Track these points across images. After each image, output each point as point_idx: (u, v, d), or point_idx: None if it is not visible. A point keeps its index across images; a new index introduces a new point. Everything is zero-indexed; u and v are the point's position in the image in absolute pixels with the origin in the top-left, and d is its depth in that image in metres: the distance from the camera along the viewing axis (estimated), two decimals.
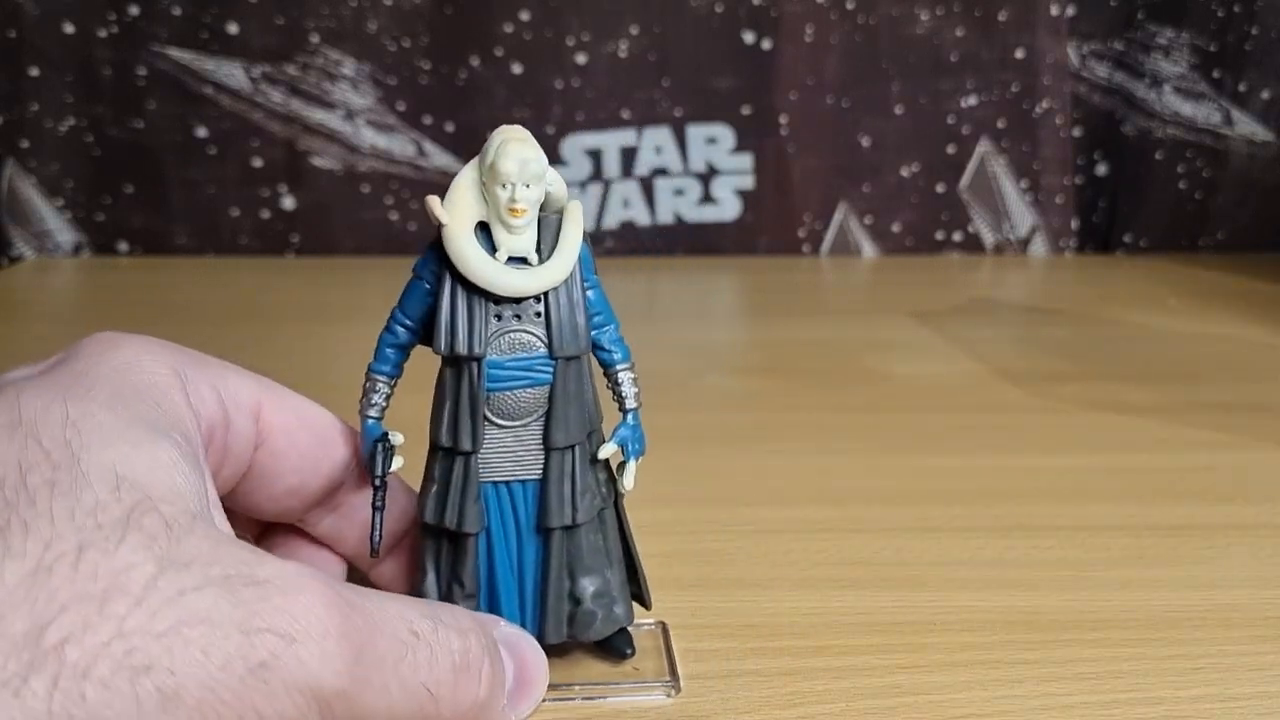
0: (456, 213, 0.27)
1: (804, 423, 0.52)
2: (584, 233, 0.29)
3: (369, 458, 0.29)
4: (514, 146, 0.27)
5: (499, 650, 0.26)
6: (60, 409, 0.22)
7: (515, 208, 0.27)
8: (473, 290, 0.28)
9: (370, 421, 0.29)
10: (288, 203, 0.90)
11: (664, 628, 0.32)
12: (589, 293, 0.29)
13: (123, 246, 0.90)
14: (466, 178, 0.28)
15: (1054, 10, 0.91)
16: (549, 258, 0.28)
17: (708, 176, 0.92)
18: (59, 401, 0.22)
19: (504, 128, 0.28)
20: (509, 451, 0.29)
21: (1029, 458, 0.47)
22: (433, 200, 0.28)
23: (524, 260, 0.28)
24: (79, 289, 0.85)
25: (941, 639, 0.32)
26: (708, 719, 0.28)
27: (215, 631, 0.19)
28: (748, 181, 0.93)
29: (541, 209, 0.28)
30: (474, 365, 0.28)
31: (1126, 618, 0.33)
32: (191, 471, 0.23)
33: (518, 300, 0.28)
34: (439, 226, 0.27)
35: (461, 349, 0.28)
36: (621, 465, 0.30)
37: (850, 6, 0.90)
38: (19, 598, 0.18)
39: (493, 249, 0.28)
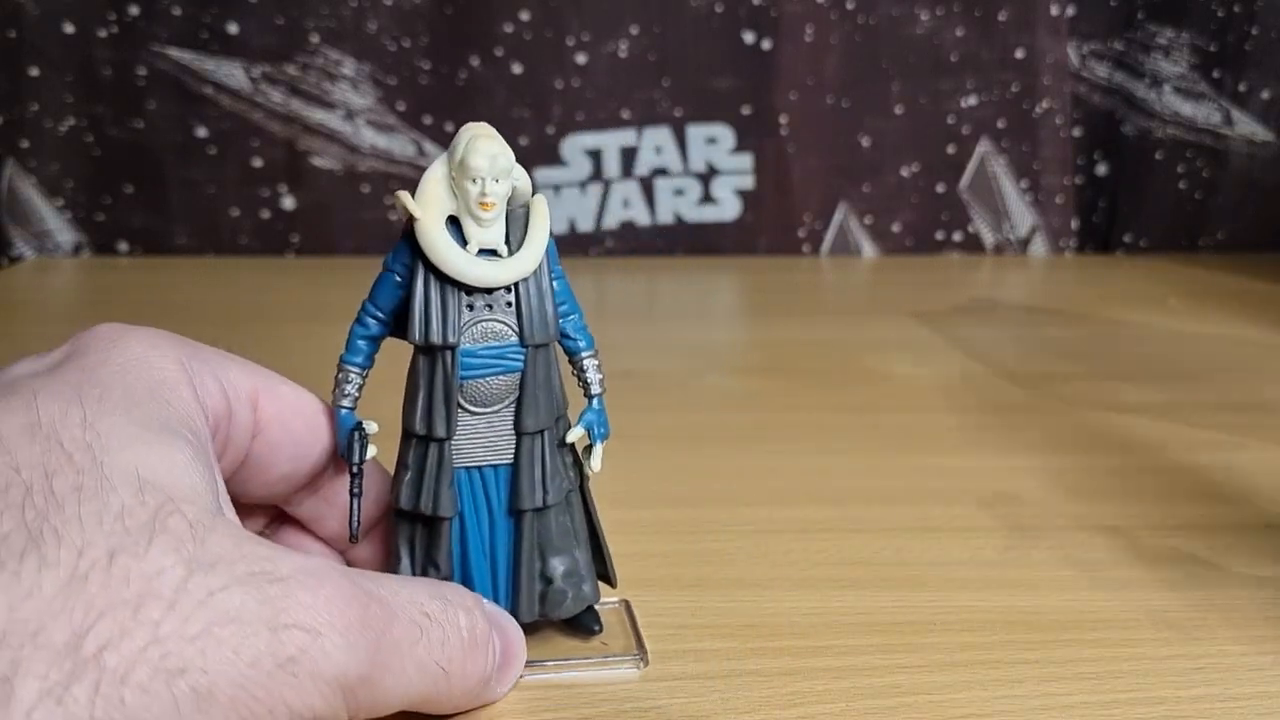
0: (428, 207, 0.28)
1: (804, 423, 0.52)
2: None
3: (345, 447, 0.30)
4: (483, 143, 0.28)
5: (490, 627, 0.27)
6: (78, 411, 0.22)
7: (486, 201, 0.28)
8: (445, 281, 0.28)
9: (344, 411, 0.30)
10: (288, 203, 0.90)
11: (627, 605, 0.33)
12: (555, 283, 0.30)
13: (123, 246, 0.90)
14: (436, 173, 0.28)
15: (1054, 10, 0.91)
16: (518, 249, 0.29)
17: (708, 176, 0.92)
18: (75, 403, 0.23)
19: (471, 125, 0.29)
20: (481, 437, 0.29)
21: (1029, 458, 0.47)
22: (404, 195, 0.28)
23: (494, 252, 0.29)
24: (79, 289, 0.85)
25: (941, 639, 0.32)
26: (708, 719, 0.28)
27: (244, 630, 0.20)
28: (748, 181, 0.93)
29: (508, 203, 0.29)
30: (448, 354, 0.28)
31: (1126, 618, 0.33)
32: (205, 470, 0.24)
33: (489, 291, 0.29)
34: (410, 220, 0.28)
35: (436, 338, 0.28)
36: (588, 449, 0.31)
37: (850, 6, 0.90)
38: (58, 607, 0.19)
39: (463, 242, 0.28)
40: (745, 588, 0.35)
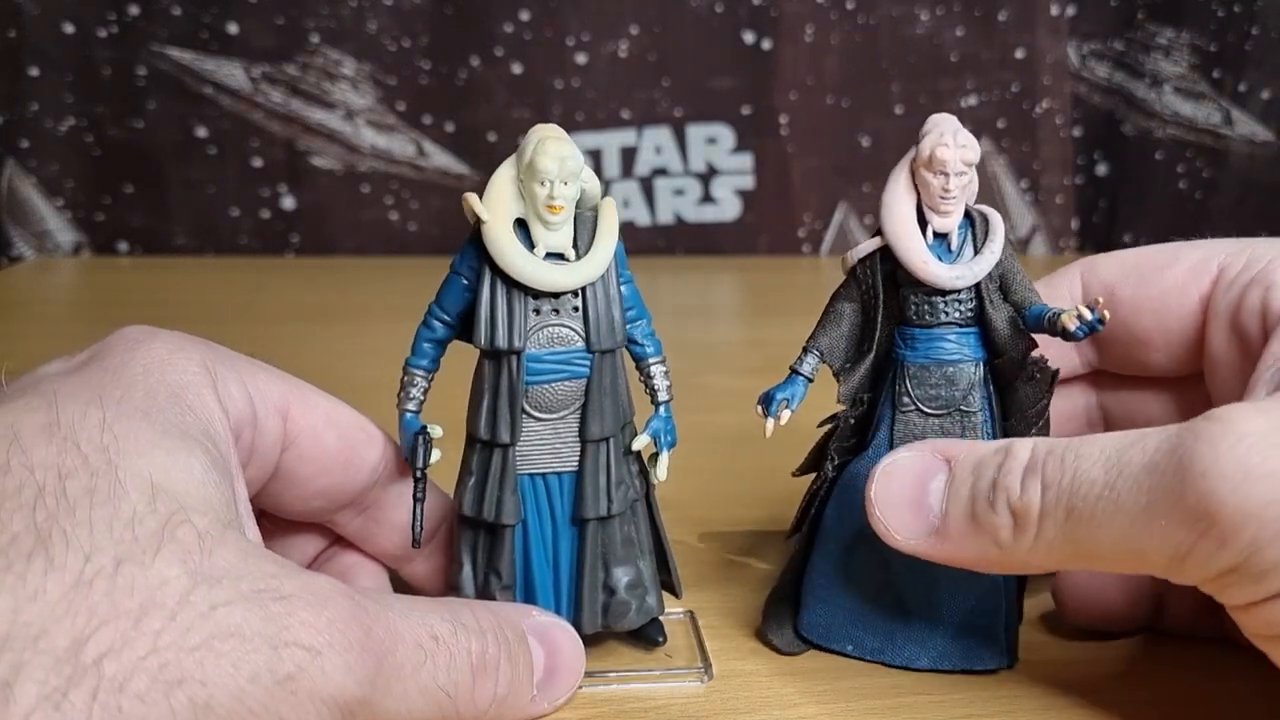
0: (495, 210, 0.28)
1: (804, 423, 0.52)
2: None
3: (409, 451, 0.29)
4: (552, 145, 0.27)
5: (525, 644, 0.27)
6: (97, 412, 0.22)
7: (553, 204, 0.27)
8: (512, 285, 0.28)
9: (409, 415, 0.29)
10: (288, 203, 0.90)
11: (692, 616, 0.32)
12: (622, 288, 0.29)
13: (123, 246, 0.90)
14: (504, 175, 0.28)
15: (1054, 10, 0.91)
16: (586, 253, 0.28)
17: (708, 176, 0.92)
18: (95, 404, 0.23)
19: (540, 126, 0.28)
20: (546, 444, 0.29)
21: None
22: (471, 197, 0.28)
23: (561, 256, 0.28)
24: (79, 289, 0.85)
25: None
26: (708, 718, 0.28)
27: (245, 645, 0.20)
28: (748, 181, 0.93)
29: (576, 206, 0.29)
30: (513, 359, 0.28)
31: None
32: (222, 479, 0.23)
33: (556, 295, 0.28)
34: (478, 223, 0.28)
35: (501, 342, 0.28)
36: (654, 457, 0.30)
37: (850, 6, 0.90)
38: (60, 612, 0.19)
39: (530, 245, 0.28)
40: (744, 588, 0.35)
